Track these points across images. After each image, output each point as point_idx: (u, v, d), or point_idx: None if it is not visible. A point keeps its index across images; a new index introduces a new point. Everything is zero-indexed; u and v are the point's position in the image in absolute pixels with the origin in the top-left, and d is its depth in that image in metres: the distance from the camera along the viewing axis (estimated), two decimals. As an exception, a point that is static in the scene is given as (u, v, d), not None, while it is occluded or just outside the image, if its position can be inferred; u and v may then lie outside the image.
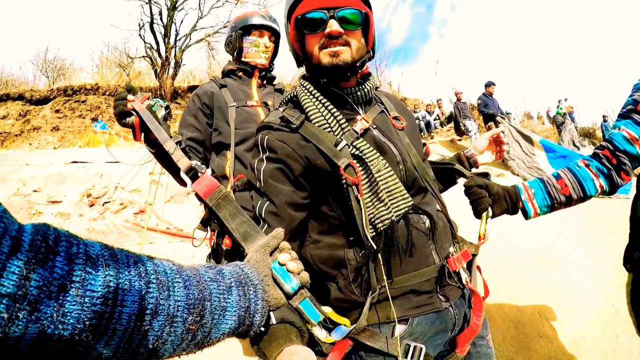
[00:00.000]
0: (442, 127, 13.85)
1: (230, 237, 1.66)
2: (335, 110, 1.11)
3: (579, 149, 11.15)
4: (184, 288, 0.57)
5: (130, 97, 1.31)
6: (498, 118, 9.83)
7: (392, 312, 1.02)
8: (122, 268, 0.50)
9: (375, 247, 1.01)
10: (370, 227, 1.03)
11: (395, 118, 1.23)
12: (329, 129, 1.09)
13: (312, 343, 0.91)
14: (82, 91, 15.19)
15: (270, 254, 0.77)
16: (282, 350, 0.77)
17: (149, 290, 0.52)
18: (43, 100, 14.89)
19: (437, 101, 14.83)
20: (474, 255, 1.22)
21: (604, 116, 14.61)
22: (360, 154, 1.06)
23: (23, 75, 18.06)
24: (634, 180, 1.53)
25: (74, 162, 7.22)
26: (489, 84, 10.60)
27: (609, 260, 3.34)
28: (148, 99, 1.32)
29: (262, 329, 0.73)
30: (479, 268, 1.26)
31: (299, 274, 0.76)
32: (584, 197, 1.34)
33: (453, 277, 1.12)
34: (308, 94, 1.14)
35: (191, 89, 15.98)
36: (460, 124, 10.91)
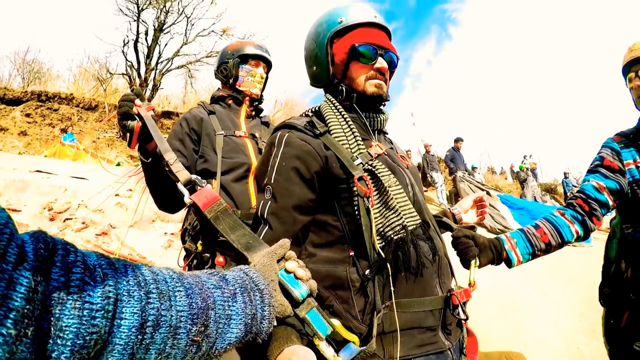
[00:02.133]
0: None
1: (227, 253, 1.61)
2: (355, 129, 1.18)
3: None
4: (186, 297, 0.54)
5: (137, 101, 1.31)
6: (458, 174, 10.34)
7: (396, 348, 1.00)
8: (120, 278, 0.47)
9: (384, 256, 1.01)
10: (378, 237, 1.04)
11: (401, 157, 1.32)
12: (347, 146, 1.14)
13: None
14: (55, 99, 14.69)
15: (277, 262, 0.75)
16: (282, 350, 0.76)
17: (150, 300, 0.49)
18: (15, 102, 14.25)
19: (407, 152, 15.33)
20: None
21: (565, 173, 15.35)
22: (373, 170, 1.10)
23: (-2, 71, 17.31)
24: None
25: (38, 171, 6.90)
26: (457, 140, 11.39)
27: (572, 307, 3.46)
28: (153, 110, 1.32)
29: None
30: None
31: (307, 281, 0.75)
32: (562, 243, 1.46)
33: (457, 311, 1.13)
34: (334, 109, 1.21)
35: (165, 114, 15.76)
36: (428, 175, 11.39)
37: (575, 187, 13.87)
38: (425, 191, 12.06)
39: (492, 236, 1.43)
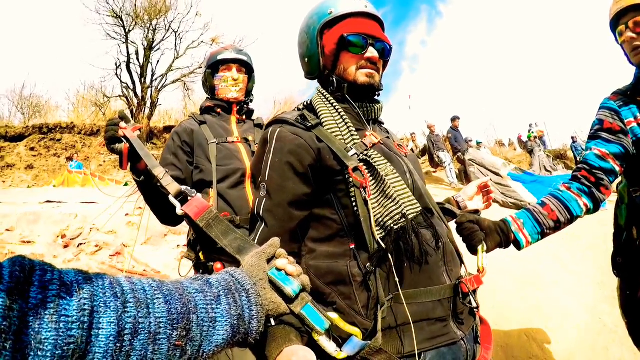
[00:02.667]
0: (417, 160, 14.16)
1: (222, 256, 1.62)
2: (348, 120, 1.17)
3: (551, 173, 11.49)
4: (165, 303, 0.56)
5: (122, 124, 1.32)
6: (467, 156, 10.20)
7: (405, 342, 0.98)
8: (96, 291, 0.50)
9: (384, 246, 1.00)
10: (378, 228, 1.02)
11: (399, 145, 1.30)
12: (340, 137, 1.13)
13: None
14: (57, 129, 14.89)
15: (268, 262, 0.75)
16: (282, 350, 0.75)
17: (126, 309, 0.51)
18: (18, 137, 14.50)
19: (411, 135, 15.27)
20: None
21: (572, 137, 15.12)
22: (368, 159, 1.09)
23: (-2, 111, 17.55)
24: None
25: (48, 201, 7.01)
26: (454, 119, 11.32)
27: (591, 276, 3.41)
28: (139, 130, 1.33)
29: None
30: None
31: (298, 276, 0.74)
32: (572, 219, 1.40)
33: (468, 298, 1.10)
34: (325, 101, 1.21)
35: (167, 129, 15.89)
36: (434, 156, 11.26)
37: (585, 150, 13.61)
38: (434, 172, 12.03)
39: (506, 211, 1.38)
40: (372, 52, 1.19)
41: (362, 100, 1.24)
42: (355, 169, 1.05)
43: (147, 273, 4.76)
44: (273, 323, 0.76)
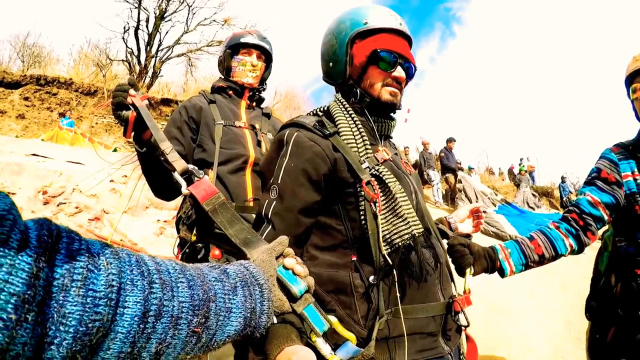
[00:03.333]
0: (405, 174, 14.23)
1: (223, 246, 1.62)
2: (364, 133, 1.17)
3: (534, 209, 11.67)
4: (189, 288, 0.55)
5: (132, 91, 1.29)
6: (460, 173, 10.32)
7: (399, 354, 1.00)
8: (124, 267, 0.48)
9: (391, 262, 1.01)
10: (384, 244, 1.04)
11: (405, 163, 1.32)
12: (355, 149, 1.13)
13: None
14: (55, 83, 14.57)
15: (276, 259, 0.76)
16: (282, 349, 0.74)
17: (152, 290, 0.49)
18: (14, 85, 14.13)
19: (405, 148, 15.35)
20: None
21: (562, 177, 15.36)
22: (380, 175, 1.10)
23: (-2, 54, 17.17)
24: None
25: (34, 154, 6.88)
26: (450, 140, 11.51)
27: (560, 314, 3.47)
28: (148, 99, 1.31)
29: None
30: None
31: (305, 277, 0.75)
32: (556, 256, 1.47)
33: (458, 317, 1.14)
34: (344, 110, 1.20)
35: (164, 101, 15.68)
36: (424, 173, 11.35)
37: (572, 193, 13.89)
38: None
39: (486, 238, 1.43)
40: (399, 72, 1.19)
41: (379, 116, 1.24)
42: (368, 183, 1.06)
43: (125, 244, 4.70)
44: (275, 321, 0.75)
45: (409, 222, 1.05)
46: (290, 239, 1.00)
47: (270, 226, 1.07)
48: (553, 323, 3.38)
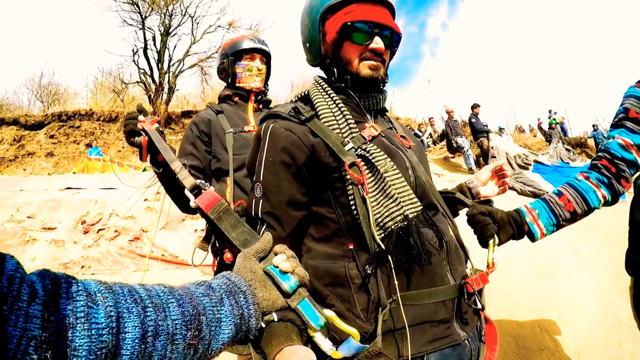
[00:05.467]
0: (435, 145, 13.96)
1: (230, 248, 1.68)
2: (346, 111, 1.09)
3: (569, 164, 11.22)
4: (179, 307, 0.61)
5: (141, 117, 1.34)
6: (490, 135, 10.00)
7: (405, 346, 0.93)
8: (118, 298, 0.54)
9: (384, 247, 0.94)
10: (377, 228, 0.97)
11: (402, 137, 1.23)
12: (338, 129, 1.07)
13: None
14: (76, 116, 15.19)
15: (264, 258, 0.77)
16: (282, 349, 0.73)
17: (147, 313, 0.56)
18: (37, 126, 14.85)
19: (429, 119, 15.04)
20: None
21: (594, 125, 14.73)
22: (366, 154, 1.03)
23: (18, 100, 17.93)
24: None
25: (68, 188, 7.19)
26: (475, 106, 11.21)
27: (606, 268, 3.35)
28: (157, 122, 1.35)
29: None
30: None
31: (293, 272, 0.75)
32: (588, 210, 1.32)
33: (472, 299, 1.05)
34: (322, 91, 1.13)
35: (185, 114, 16.06)
36: (452, 141, 11.06)
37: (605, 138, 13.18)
38: (452, 157, 11.84)
39: (524, 199, 1.31)
40: (377, 43, 1.08)
41: (364, 92, 1.15)
42: (352, 165, 1.00)
43: (166, 258, 4.86)
44: (276, 319, 0.75)
45: (400, 202, 0.98)
46: (286, 235, 0.99)
47: (265, 226, 1.04)
48: (600, 278, 3.26)
